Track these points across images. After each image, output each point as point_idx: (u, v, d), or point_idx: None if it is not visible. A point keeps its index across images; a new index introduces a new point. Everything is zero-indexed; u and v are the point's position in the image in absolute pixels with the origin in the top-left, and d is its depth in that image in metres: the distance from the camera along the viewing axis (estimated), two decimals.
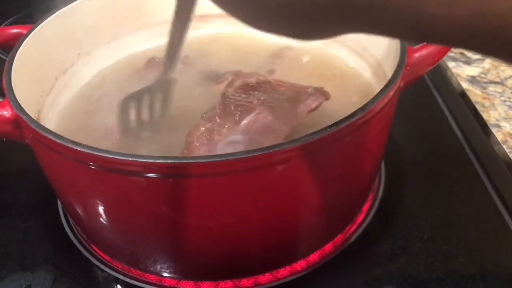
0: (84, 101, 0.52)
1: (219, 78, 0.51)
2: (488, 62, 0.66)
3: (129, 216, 0.38)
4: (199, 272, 0.42)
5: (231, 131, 0.39)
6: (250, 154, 0.32)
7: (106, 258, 0.45)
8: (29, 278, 0.44)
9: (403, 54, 0.40)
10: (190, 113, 0.46)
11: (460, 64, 0.66)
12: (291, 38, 0.26)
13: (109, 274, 0.44)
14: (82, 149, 0.33)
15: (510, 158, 0.52)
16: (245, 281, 0.43)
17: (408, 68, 0.40)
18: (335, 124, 0.34)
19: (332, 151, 0.37)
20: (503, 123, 0.56)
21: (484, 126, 0.56)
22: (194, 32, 0.58)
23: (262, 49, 0.57)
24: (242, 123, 0.40)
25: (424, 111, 0.60)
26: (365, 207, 0.48)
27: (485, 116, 0.57)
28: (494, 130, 0.55)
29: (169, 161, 0.32)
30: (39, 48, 0.47)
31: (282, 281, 0.43)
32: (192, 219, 0.37)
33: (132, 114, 0.45)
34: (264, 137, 0.40)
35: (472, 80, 0.63)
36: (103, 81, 0.55)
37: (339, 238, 0.46)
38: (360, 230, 0.47)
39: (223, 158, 0.32)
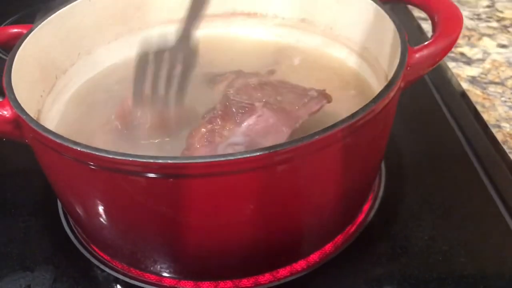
0: (85, 100, 0.52)
1: (220, 78, 0.51)
2: (488, 63, 0.66)
3: (129, 216, 0.38)
4: (199, 272, 0.42)
5: (232, 133, 0.39)
6: (250, 155, 0.32)
7: (106, 258, 0.45)
8: (29, 278, 0.44)
9: (404, 54, 0.40)
10: (191, 113, 0.46)
11: (461, 64, 0.65)
12: None
13: (109, 274, 0.44)
14: (82, 149, 0.33)
15: (510, 159, 0.52)
16: (245, 281, 0.43)
17: (408, 68, 0.40)
18: (336, 124, 0.34)
19: (333, 151, 0.37)
20: (503, 124, 0.56)
21: (484, 127, 0.56)
22: (197, 32, 0.59)
23: (262, 50, 0.57)
24: (243, 125, 0.40)
25: (424, 111, 0.60)
26: (366, 207, 0.48)
27: (485, 116, 0.57)
28: (494, 131, 0.55)
29: (169, 161, 0.32)
30: (39, 48, 0.47)
31: (282, 281, 0.43)
32: (191, 219, 0.37)
33: (148, 81, 0.43)
34: (265, 139, 0.39)
35: (473, 80, 0.63)
36: (104, 80, 0.54)
37: (339, 238, 0.46)
38: (360, 230, 0.47)
39: (223, 159, 0.32)
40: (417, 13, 0.75)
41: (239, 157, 0.32)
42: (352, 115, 0.35)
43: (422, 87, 0.62)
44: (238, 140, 0.39)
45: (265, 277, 0.43)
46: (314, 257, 0.44)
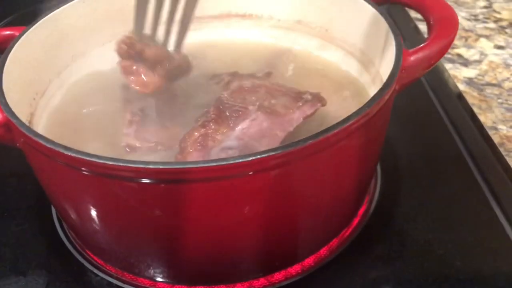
0: (79, 103, 0.51)
1: (215, 79, 0.50)
2: (485, 64, 0.65)
3: (122, 221, 0.37)
4: (193, 276, 0.42)
5: (225, 136, 0.39)
6: (243, 160, 0.32)
7: (99, 262, 0.45)
8: (22, 283, 0.43)
9: (399, 57, 0.40)
10: (187, 115, 0.46)
11: (457, 65, 0.65)
12: None
13: (102, 279, 0.44)
14: (73, 154, 0.33)
15: (507, 161, 0.51)
16: (239, 286, 0.43)
17: (403, 71, 0.40)
18: (329, 128, 0.34)
19: (327, 155, 0.36)
20: (500, 126, 0.56)
21: (481, 129, 0.56)
22: (192, 34, 0.58)
23: (258, 51, 0.57)
24: (237, 128, 0.39)
25: (420, 113, 0.59)
26: (361, 211, 0.48)
27: (482, 118, 0.57)
28: (491, 133, 0.55)
29: (160, 166, 0.31)
30: (32, 50, 0.46)
31: (277, 286, 0.43)
32: (185, 224, 0.36)
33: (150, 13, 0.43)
34: (259, 143, 0.39)
35: (469, 82, 0.62)
36: (99, 83, 0.54)
37: (334, 242, 0.45)
38: (355, 234, 0.46)
39: (216, 164, 0.32)
40: (414, 14, 0.74)
41: (232, 162, 0.32)
42: (346, 119, 0.35)
43: (418, 89, 0.62)
44: (232, 144, 0.39)
45: (260, 282, 0.43)
46: (309, 261, 0.44)
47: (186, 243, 0.38)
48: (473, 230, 0.46)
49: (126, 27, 0.55)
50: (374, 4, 0.47)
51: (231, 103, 0.41)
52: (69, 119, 0.49)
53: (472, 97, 0.60)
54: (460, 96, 0.61)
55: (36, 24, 0.47)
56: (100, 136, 0.46)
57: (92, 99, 0.51)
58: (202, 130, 0.39)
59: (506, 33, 0.71)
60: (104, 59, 0.55)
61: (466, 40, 0.70)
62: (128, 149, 0.44)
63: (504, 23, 0.73)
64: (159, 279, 0.42)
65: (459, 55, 0.67)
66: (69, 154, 0.33)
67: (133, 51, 0.46)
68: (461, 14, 0.75)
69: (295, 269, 0.44)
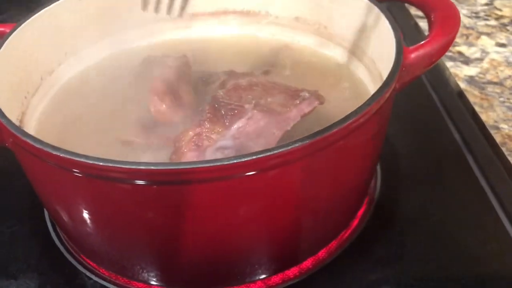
0: (73, 102, 0.50)
1: (211, 78, 0.49)
2: (487, 62, 0.64)
3: (115, 224, 0.36)
4: (188, 280, 0.41)
5: (220, 136, 0.38)
6: (239, 160, 0.31)
7: (92, 265, 0.44)
8: (13, 286, 0.42)
9: (399, 54, 0.39)
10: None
11: (458, 63, 0.64)
12: None
13: (96, 282, 0.43)
14: (62, 155, 0.32)
15: (509, 161, 0.50)
16: None
17: (404, 69, 0.39)
18: (328, 128, 0.33)
19: (325, 155, 0.35)
20: (502, 125, 0.55)
21: (482, 128, 0.55)
22: (188, 32, 0.58)
23: (255, 49, 0.56)
24: (232, 127, 0.38)
25: (421, 112, 0.58)
26: (360, 212, 0.47)
27: (483, 117, 0.56)
28: (492, 132, 0.54)
29: (152, 167, 0.30)
30: (23, 48, 0.45)
31: None
32: (180, 226, 0.35)
33: None
34: (255, 142, 0.38)
35: (471, 80, 0.61)
36: (92, 81, 0.53)
37: (333, 244, 0.44)
38: (355, 236, 0.45)
39: (211, 164, 0.31)
40: (414, 11, 0.73)
41: (227, 163, 0.31)
42: (345, 118, 0.34)
43: (419, 87, 0.61)
44: (227, 143, 0.38)
45: (257, 285, 0.42)
46: (307, 263, 0.43)
47: (181, 246, 0.37)
48: (475, 232, 0.45)
49: (119, 24, 0.55)
50: (374, 1, 0.46)
51: (226, 102, 0.40)
52: (62, 118, 0.48)
53: (473, 95, 0.59)
54: (461, 94, 0.60)
55: (27, 21, 0.46)
56: (95, 135, 0.45)
57: (86, 97, 0.50)
58: (197, 130, 0.38)
59: (507, 30, 0.70)
60: (98, 56, 0.54)
61: (467, 37, 0.69)
62: (123, 145, 0.43)
63: (505, 20, 0.72)
64: (153, 282, 0.41)
65: (460, 53, 0.66)
66: (58, 154, 0.32)
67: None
68: (462, 12, 0.74)
69: (292, 271, 0.43)
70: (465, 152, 0.53)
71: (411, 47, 0.41)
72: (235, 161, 0.31)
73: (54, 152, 0.32)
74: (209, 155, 0.38)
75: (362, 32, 0.49)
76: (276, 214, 0.37)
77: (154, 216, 0.34)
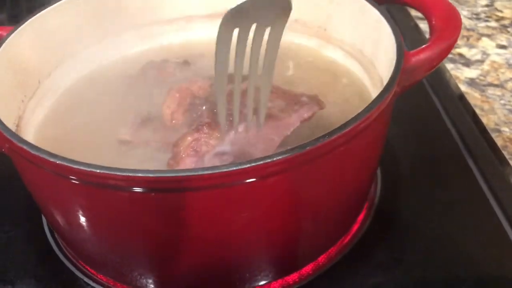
0: (70, 106, 0.50)
1: (210, 82, 0.49)
2: (487, 64, 0.64)
3: (113, 230, 0.36)
4: (185, 287, 0.40)
5: (219, 141, 0.38)
6: (238, 167, 0.31)
7: (90, 271, 0.43)
8: None
9: (399, 58, 0.38)
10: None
11: (459, 66, 0.64)
12: None
13: None
14: (58, 161, 0.31)
15: (510, 165, 0.50)
16: None
17: (404, 73, 0.38)
18: (327, 134, 0.33)
19: (325, 161, 0.35)
20: (503, 128, 0.54)
21: (483, 131, 0.54)
22: (186, 34, 0.57)
23: None
24: (230, 133, 0.38)
25: (421, 114, 0.58)
26: (361, 217, 0.47)
27: (484, 120, 0.55)
28: (493, 135, 0.53)
29: (149, 175, 0.30)
30: (20, 51, 0.45)
31: None
32: (176, 233, 0.35)
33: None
34: (254, 148, 0.38)
35: (471, 82, 0.61)
36: (90, 84, 0.53)
37: (333, 250, 0.44)
38: (355, 241, 0.45)
39: (209, 172, 0.30)
40: (414, 12, 0.73)
41: (225, 170, 0.31)
42: (345, 125, 0.33)
43: (419, 89, 0.60)
44: (226, 149, 0.38)
45: None
46: (307, 269, 0.43)
47: (179, 252, 0.37)
48: (475, 236, 0.45)
49: (117, 26, 0.54)
50: (374, 3, 0.45)
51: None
52: (60, 123, 0.48)
53: (474, 98, 0.58)
54: (461, 97, 0.59)
55: (24, 24, 0.45)
56: (94, 140, 0.45)
57: (85, 102, 0.50)
58: (195, 135, 0.38)
59: (508, 32, 0.69)
60: (97, 59, 0.54)
61: (468, 39, 0.68)
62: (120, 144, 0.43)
63: (506, 22, 0.71)
64: (151, 287, 0.41)
65: (460, 55, 0.66)
66: (55, 161, 0.31)
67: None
68: (463, 13, 0.73)
69: (292, 277, 0.42)
70: (465, 155, 0.52)
71: (412, 51, 0.40)
72: (233, 169, 0.31)
73: (51, 159, 0.31)
74: (208, 160, 0.37)
75: (362, 35, 0.48)
76: (275, 220, 0.37)
77: (152, 223, 0.34)
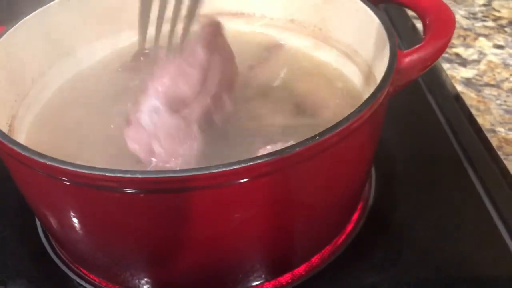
0: (64, 106, 0.50)
1: None
2: (484, 64, 0.64)
3: (102, 231, 0.36)
4: (177, 287, 0.40)
5: (142, 102, 0.39)
6: (226, 168, 0.30)
7: (84, 272, 0.43)
8: None
9: (392, 58, 0.38)
10: None
11: (455, 65, 0.64)
12: None
13: None
14: (48, 162, 0.31)
15: (505, 165, 0.50)
16: None
17: (398, 73, 0.38)
18: (319, 134, 0.33)
19: (317, 162, 0.35)
20: (498, 128, 0.54)
21: (479, 131, 0.54)
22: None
23: (248, 46, 0.55)
24: (149, 89, 0.39)
25: (416, 114, 0.58)
26: (355, 217, 0.46)
27: (480, 120, 0.55)
28: (489, 135, 0.53)
29: (138, 175, 0.30)
30: (13, 50, 0.45)
31: None
32: (167, 234, 0.35)
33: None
34: (178, 86, 0.39)
35: (467, 82, 0.61)
36: (85, 83, 0.52)
37: (327, 250, 0.44)
38: (349, 241, 0.45)
39: (198, 173, 0.30)
40: (411, 12, 0.73)
41: (213, 171, 0.30)
42: (336, 125, 0.33)
43: (414, 89, 0.60)
44: (154, 103, 0.38)
45: None
46: (300, 270, 0.43)
47: (170, 253, 0.37)
48: (470, 236, 0.45)
49: (113, 24, 0.54)
50: (369, 3, 0.45)
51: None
52: (54, 123, 0.48)
53: (470, 98, 0.58)
54: (457, 97, 0.59)
55: (17, 24, 0.45)
56: (89, 140, 0.45)
57: (79, 101, 0.50)
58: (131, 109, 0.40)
59: (505, 32, 0.69)
60: (91, 58, 0.54)
61: (465, 39, 0.68)
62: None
63: (503, 22, 0.71)
64: None
65: (457, 55, 0.65)
66: (45, 162, 0.31)
67: None
68: (460, 13, 0.73)
69: (285, 278, 0.42)
70: (461, 155, 0.52)
71: (405, 51, 0.40)
72: (222, 170, 0.31)
73: (41, 160, 0.31)
74: (146, 121, 0.38)
75: (357, 35, 0.48)
76: (267, 221, 0.37)
77: (142, 224, 0.34)
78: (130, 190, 0.31)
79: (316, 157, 0.34)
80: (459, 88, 0.60)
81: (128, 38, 0.55)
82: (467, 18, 0.72)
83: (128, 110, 0.40)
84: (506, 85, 0.60)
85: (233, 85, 0.43)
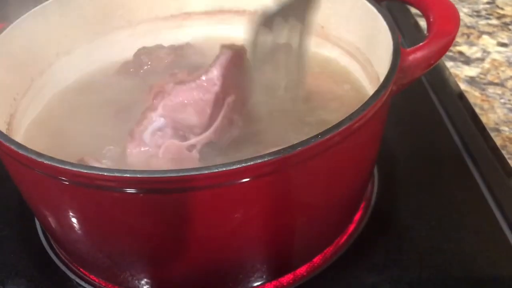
0: (64, 104, 0.50)
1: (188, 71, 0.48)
2: (488, 62, 0.63)
3: (101, 231, 0.35)
4: (177, 287, 0.40)
5: (149, 119, 0.39)
6: (227, 168, 0.30)
7: (83, 271, 0.43)
8: None
9: (396, 57, 0.38)
10: None
11: (459, 64, 0.63)
12: None
13: None
14: (46, 161, 0.31)
15: (509, 165, 0.49)
16: None
17: (401, 72, 0.38)
18: (321, 134, 0.32)
19: (319, 161, 0.34)
20: (502, 127, 0.54)
21: (482, 130, 0.54)
22: (182, 31, 0.57)
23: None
24: (158, 107, 0.39)
25: (419, 113, 0.57)
26: (357, 217, 0.46)
27: (483, 119, 0.54)
28: (493, 134, 0.53)
29: (137, 175, 0.29)
30: (12, 48, 0.44)
31: None
32: (167, 234, 0.34)
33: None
34: (186, 113, 0.39)
35: (471, 81, 0.60)
36: (85, 82, 0.52)
37: (328, 250, 0.43)
38: (351, 241, 0.44)
39: (198, 172, 0.30)
40: (414, 10, 0.72)
41: (215, 170, 0.30)
42: (339, 124, 0.33)
43: (417, 88, 0.59)
44: (159, 124, 0.39)
45: None
46: (301, 270, 0.42)
47: (170, 253, 0.36)
48: (474, 237, 0.44)
49: (113, 24, 0.54)
50: (372, 1, 0.45)
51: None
52: (54, 121, 0.48)
53: (473, 96, 0.58)
54: (461, 95, 0.59)
55: (16, 21, 0.45)
56: (88, 140, 0.44)
57: (80, 100, 0.50)
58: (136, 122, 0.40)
59: (509, 30, 0.68)
60: (91, 57, 0.53)
61: (468, 37, 0.68)
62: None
63: (507, 20, 0.70)
64: None
65: (460, 53, 0.65)
66: (42, 161, 0.31)
67: None
68: (463, 10, 0.73)
69: (286, 279, 0.42)
70: (464, 155, 0.51)
71: (409, 49, 0.40)
72: (224, 169, 0.30)
73: (39, 159, 0.31)
74: (148, 139, 0.38)
75: (359, 32, 0.48)
76: (269, 221, 0.36)
77: (142, 224, 0.33)
78: (129, 190, 0.31)
79: (318, 156, 0.33)
80: (463, 86, 0.59)
81: (127, 38, 0.55)
82: (470, 15, 0.72)
83: (134, 125, 0.40)
84: (510, 83, 0.59)
85: (244, 109, 0.42)
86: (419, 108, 0.58)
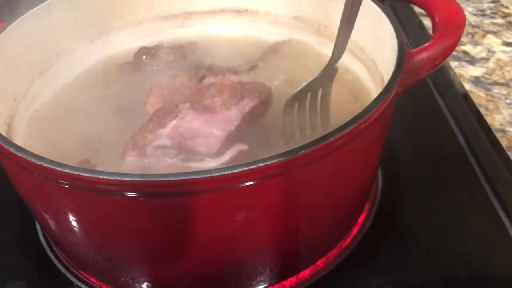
0: (65, 105, 0.49)
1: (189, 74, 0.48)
2: (493, 62, 0.62)
3: (100, 234, 0.35)
4: None
5: (156, 135, 0.38)
6: (228, 172, 0.29)
7: (83, 274, 0.42)
8: None
9: (401, 58, 0.37)
10: None
11: (464, 63, 0.62)
12: None
13: None
14: (45, 165, 0.30)
15: None
16: None
17: (406, 73, 0.37)
18: (325, 136, 0.32)
19: (324, 163, 0.34)
20: (508, 128, 0.53)
21: (487, 131, 0.53)
22: (183, 30, 0.56)
23: (254, 47, 0.54)
24: (167, 127, 0.38)
25: (424, 113, 0.57)
26: (361, 219, 0.45)
27: (489, 120, 0.54)
28: (498, 135, 0.52)
29: (137, 179, 0.29)
30: (12, 48, 0.44)
31: None
32: (169, 237, 0.34)
33: (298, 117, 0.42)
34: (195, 142, 0.38)
35: (476, 81, 0.60)
36: (85, 82, 0.52)
37: (332, 253, 0.43)
38: (355, 243, 0.44)
39: (199, 176, 0.29)
40: (418, 9, 0.71)
41: (216, 174, 0.29)
42: (343, 126, 0.32)
43: (421, 88, 0.59)
44: (165, 142, 0.38)
45: None
46: (305, 273, 0.42)
47: (172, 256, 0.36)
48: (478, 238, 0.44)
49: (114, 23, 0.53)
50: (376, 0, 0.44)
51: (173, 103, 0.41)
52: (54, 123, 0.47)
53: (478, 97, 0.57)
54: (466, 96, 0.58)
55: (16, 21, 0.44)
56: (88, 142, 0.44)
57: (80, 100, 0.49)
58: (138, 130, 0.39)
59: None
60: (92, 57, 0.53)
61: (473, 36, 0.67)
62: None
63: None
64: None
65: (465, 53, 0.64)
66: (42, 164, 0.30)
67: None
68: (468, 9, 0.72)
69: (289, 282, 0.41)
70: (469, 156, 0.51)
71: (414, 50, 0.39)
72: (228, 172, 0.30)
73: (38, 162, 0.30)
74: (150, 153, 0.38)
75: (363, 32, 0.47)
76: (272, 224, 0.36)
77: (142, 227, 0.33)
78: (129, 194, 0.31)
79: (322, 159, 0.33)
80: (468, 86, 0.59)
81: (128, 37, 0.54)
82: (475, 15, 0.71)
83: (139, 132, 0.40)
84: None
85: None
86: (423, 108, 0.57)
